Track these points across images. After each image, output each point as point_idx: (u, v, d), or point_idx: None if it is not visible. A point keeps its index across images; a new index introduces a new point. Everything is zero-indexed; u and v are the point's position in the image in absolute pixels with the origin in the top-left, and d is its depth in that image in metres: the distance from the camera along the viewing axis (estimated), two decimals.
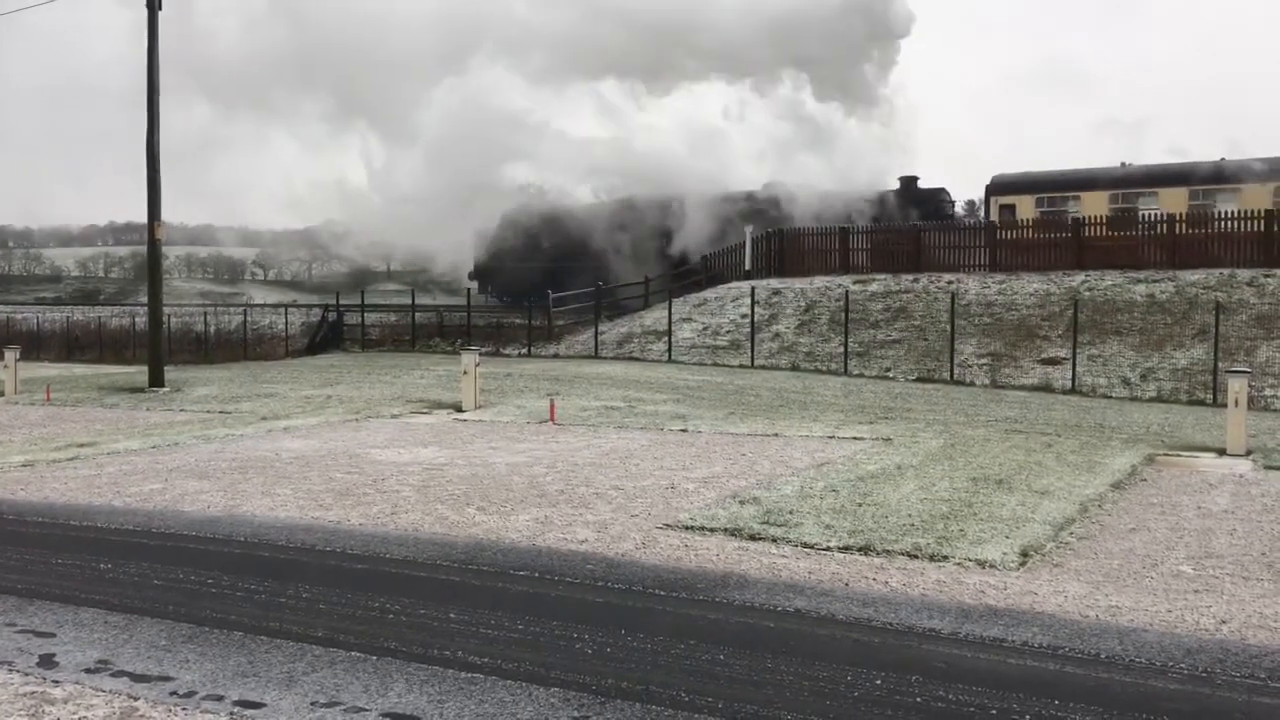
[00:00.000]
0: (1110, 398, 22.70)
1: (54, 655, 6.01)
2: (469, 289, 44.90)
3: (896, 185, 39.35)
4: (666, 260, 39.15)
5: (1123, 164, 35.76)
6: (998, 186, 36.11)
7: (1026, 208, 34.47)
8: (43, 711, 5.13)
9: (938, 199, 37.97)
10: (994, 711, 5.13)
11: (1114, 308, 27.00)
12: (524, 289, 41.38)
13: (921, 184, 38.96)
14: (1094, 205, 32.99)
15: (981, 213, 36.59)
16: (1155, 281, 28.06)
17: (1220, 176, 32.25)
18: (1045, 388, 23.99)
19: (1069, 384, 23.88)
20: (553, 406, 17.86)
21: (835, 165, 41.30)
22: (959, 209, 40.05)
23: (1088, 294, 27.83)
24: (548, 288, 37.97)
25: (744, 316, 30.92)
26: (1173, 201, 31.75)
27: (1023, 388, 24.13)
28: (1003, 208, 35.03)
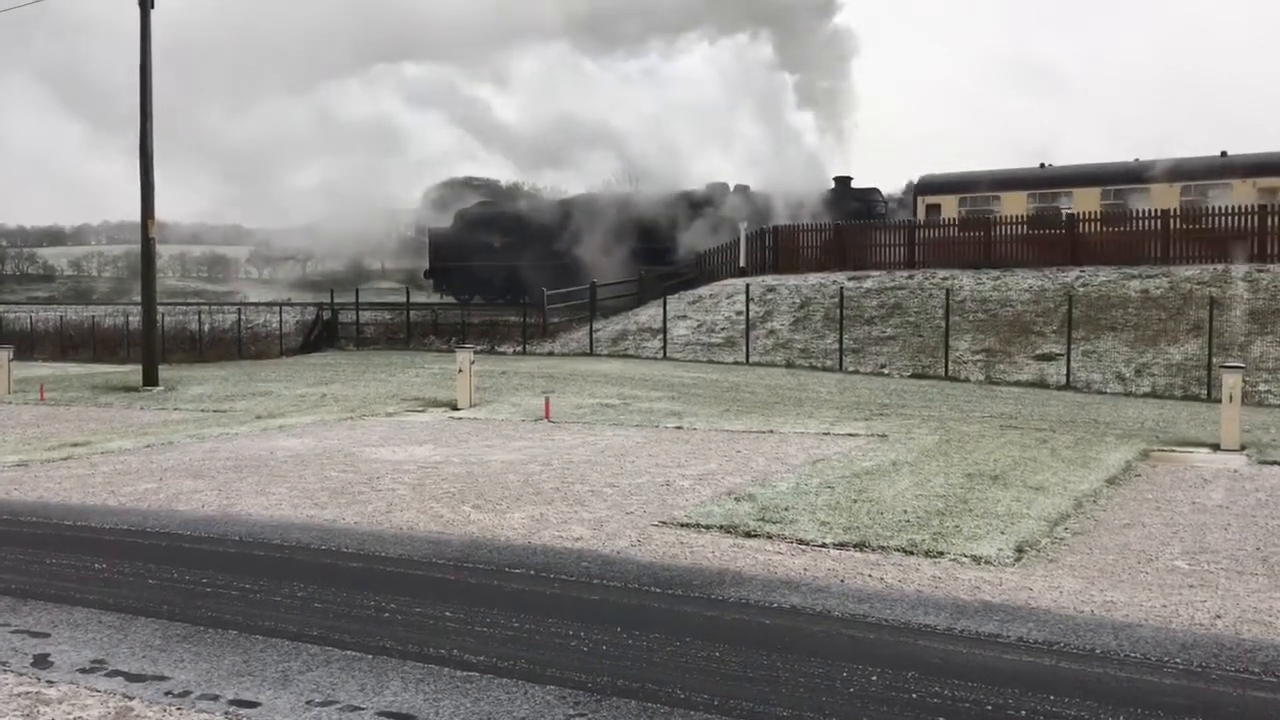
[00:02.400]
0: (1105, 393, 22.74)
1: (49, 655, 5.99)
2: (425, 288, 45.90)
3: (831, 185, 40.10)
4: (621, 257, 39.61)
5: (1042, 165, 36.85)
6: (924, 187, 37.65)
7: (950, 207, 35.78)
8: (38, 712, 5.12)
9: (869, 198, 39.06)
10: (990, 707, 5.14)
11: (1109, 303, 27.04)
12: (479, 288, 42.47)
13: (855, 184, 40.00)
14: (1013, 205, 34.30)
15: (912, 212, 38.12)
16: (1150, 277, 28.11)
17: (1131, 177, 33.75)
18: (1040, 383, 24.03)
19: (1064, 380, 23.93)
20: (548, 404, 17.86)
21: (783, 165, 41.74)
22: (891, 207, 40.98)
23: (1083, 290, 27.86)
24: (501, 286, 39.46)
25: (739, 313, 30.93)
26: (1087, 201, 33.04)
27: (1018, 384, 24.17)
28: (929, 207, 36.39)
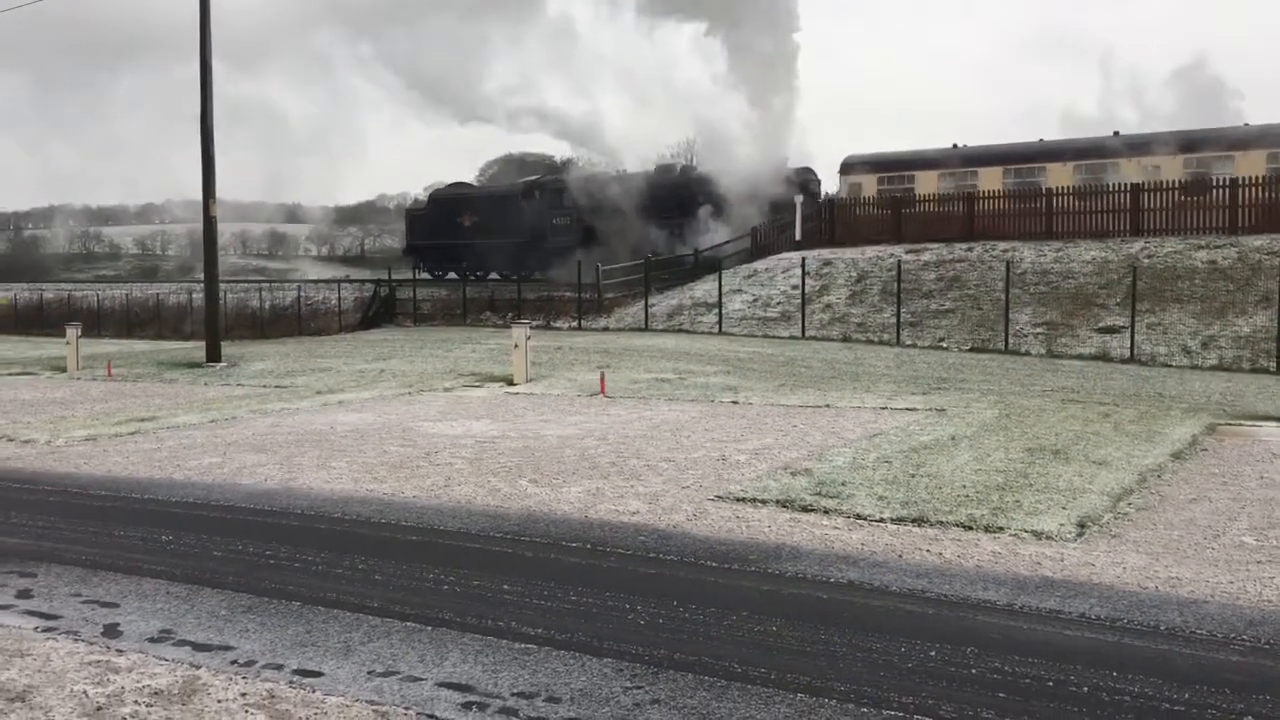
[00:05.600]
0: (1170, 366, 22.30)
1: (118, 625, 6.14)
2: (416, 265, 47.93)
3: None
4: (577, 236, 40.56)
5: (955, 145, 38.04)
6: (847, 166, 39.06)
7: (870, 186, 37.33)
8: (108, 679, 5.25)
9: (804, 178, 39.51)
10: (1051, 683, 5.08)
11: (1175, 275, 26.47)
12: (450, 264, 45.01)
13: (791, 163, 40.38)
14: (926, 184, 36.17)
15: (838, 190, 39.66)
16: (1218, 248, 27.48)
17: (1030, 156, 35.72)
18: (1103, 357, 23.63)
19: (1127, 353, 23.50)
20: (603, 379, 17.90)
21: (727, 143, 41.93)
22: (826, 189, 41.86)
23: (1148, 261, 27.30)
24: (472, 263, 42.81)
25: (795, 288, 30.72)
26: (990, 180, 35.00)
27: (1080, 357, 23.78)
28: (851, 185, 38.09)
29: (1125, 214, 30.52)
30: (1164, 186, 30.47)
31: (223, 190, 25.68)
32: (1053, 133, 37.62)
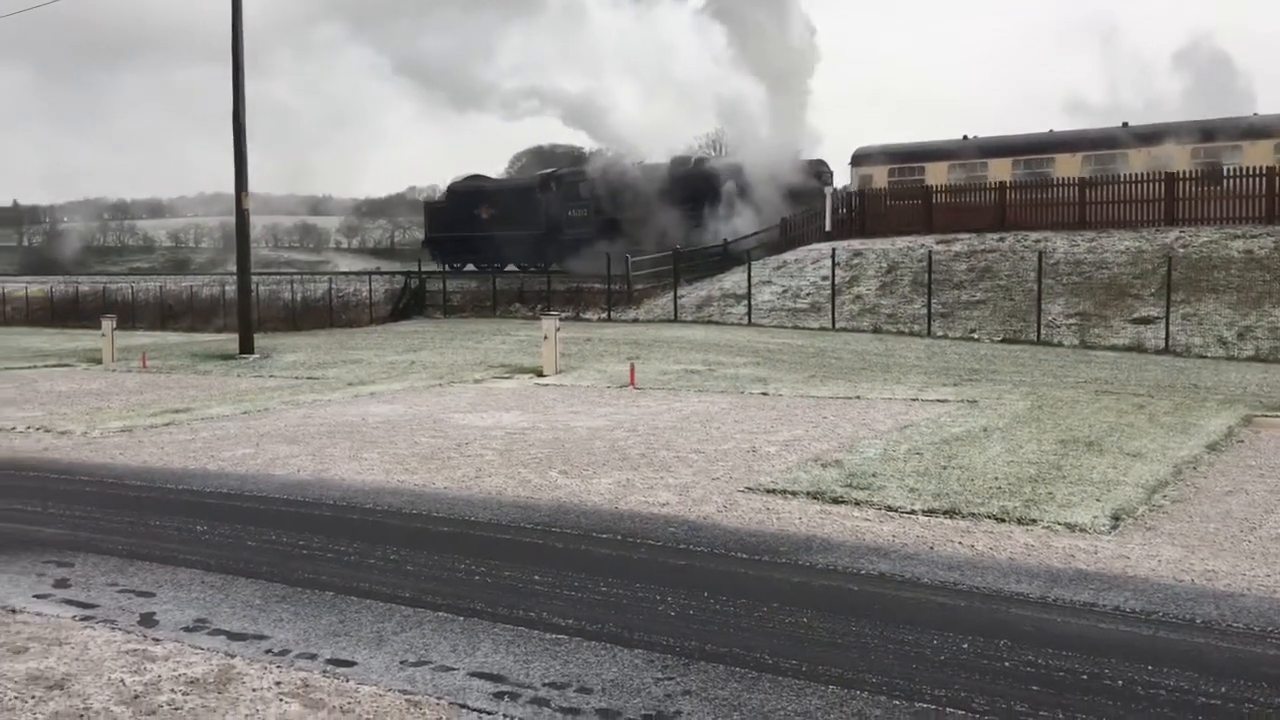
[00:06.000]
0: (1206, 357, 22.04)
1: (154, 614, 6.21)
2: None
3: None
4: (598, 227, 40.60)
5: (965, 137, 38.06)
6: (857, 158, 38.97)
7: (881, 177, 37.38)
8: (145, 668, 5.31)
9: (817, 169, 39.70)
10: (1085, 676, 5.04)
11: (1210, 265, 26.16)
12: (469, 255, 45.28)
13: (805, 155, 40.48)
14: (936, 175, 36.00)
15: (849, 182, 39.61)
16: (1254, 237, 27.12)
17: (1039, 147, 35.69)
18: (1137, 348, 23.38)
19: (1162, 344, 23.25)
20: (633, 370, 17.90)
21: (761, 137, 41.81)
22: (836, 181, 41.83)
23: (1183, 251, 27.00)
24: (490, 255, 43.25)
25: (824, 278, 30.61)
26: (999, 171, 34.92)
27: (1113, 348, 23.54)
28: (861, 177, 38.03)
29: (1160, 203, 30.19)
30: (1197, 176, 30.14)
31: (252, 184, 25.87)
32: (1062, 122, 37.56)
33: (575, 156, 60.90)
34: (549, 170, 46.37)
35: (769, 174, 37.47)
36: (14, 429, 13.82)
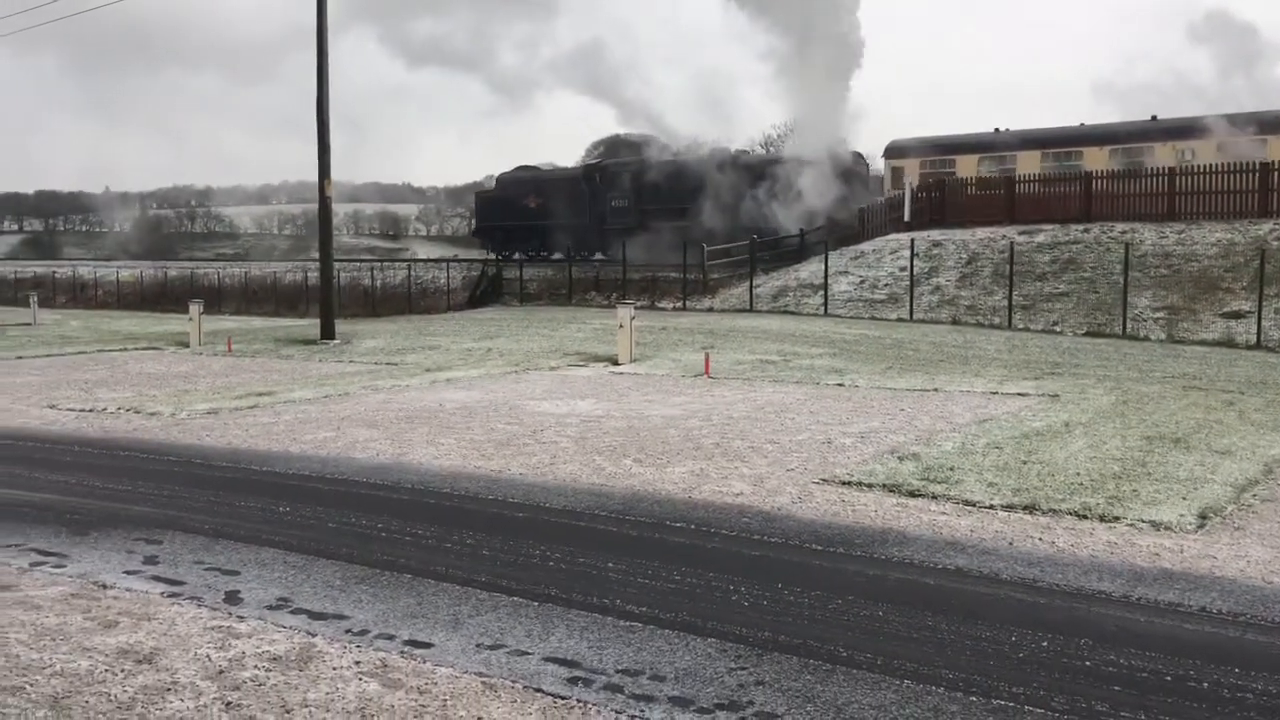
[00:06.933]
0: None
1: (239, 592, 6.37)
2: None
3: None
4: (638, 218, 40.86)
5: (996, 130, 38.13)
6: (891, 151, 39.44)
7: (912, 170, 37.51)
8: (229, 644, 5.45)
9: (855, 161, 39.69)
10: (1169, 678, 4.93)
11: None
12: (518, 245, 45.92)
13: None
14: (966, 168, 36.30)
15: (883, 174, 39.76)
16: None
17: (1069, 140, 35.76)
18: (1227, 342, 22.74)
19: (1254, 339, 22.58)
20: (707, 360, 17.87)
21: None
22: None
23: (1277, 244, 26.16)
24: (536, 244, 44.41)
25: (903, 269, 30.24)
26: (1029, 163, 35.13)
27: (1202, 343, 22.93)
28: (894, 169, 38.38)
29: (1254, 195, 29.29)
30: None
31: (335, 173, 26.29)
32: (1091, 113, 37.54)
33: (639, 145, 61.22)
34: (593, 162, 47.11)
35: (813, 165, 37.28)
36: (105, 410, 14.24)
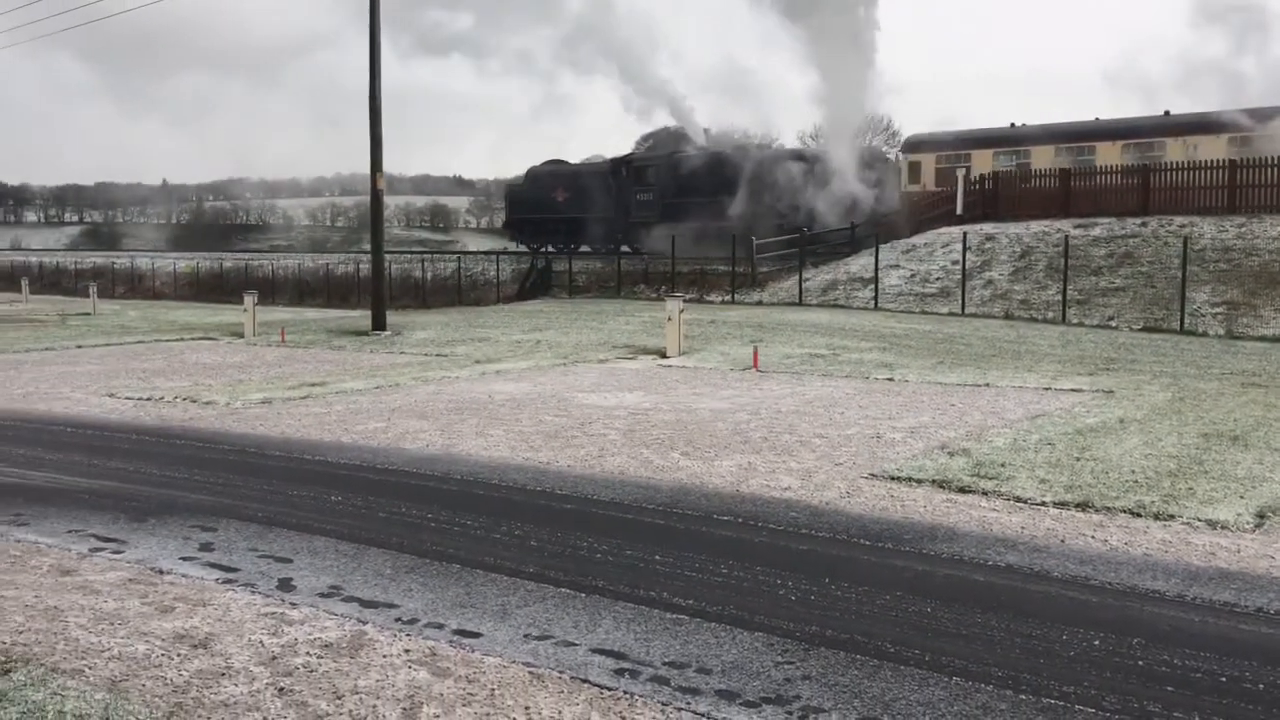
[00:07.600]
0: None
1: (291, 579, 6.46)
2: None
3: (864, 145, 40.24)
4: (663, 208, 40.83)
5: (1012, 124, 38.56)
6: (908, 145, 40.14)
7: (929, 165, 38.19)
8: (282, 631, 5.53)
9: (873, 156, 40.03)
10: (1224, 679, 4.85)
11: None
12: (549, 238, 46.32)
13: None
14: (981, 162, 36.49)
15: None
16: None
17: (1083, 135, 36.05)
18: None
19: None
20: (756, 353, 17.82)
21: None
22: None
23: None
24: (565, 237, 44.68)
25: (954, 263, 29.93)
26: (1042, 158, 35.39)
27: (1263, 339, 22.47)
28: (911, 164, 38.93)
29: None
30: None
31: (387, 165, 26.50)
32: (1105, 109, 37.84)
33: (677, 136, 61.19)
34: (619, 156, 47.19)
35: (838, 159, 37.19)
36: (163, 399, 14.50)
